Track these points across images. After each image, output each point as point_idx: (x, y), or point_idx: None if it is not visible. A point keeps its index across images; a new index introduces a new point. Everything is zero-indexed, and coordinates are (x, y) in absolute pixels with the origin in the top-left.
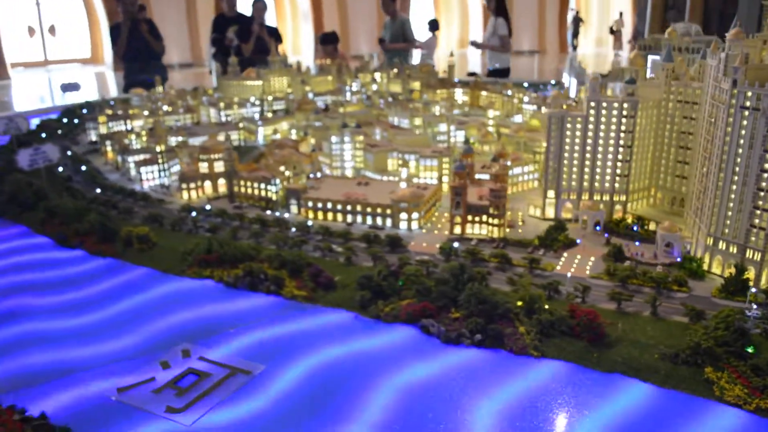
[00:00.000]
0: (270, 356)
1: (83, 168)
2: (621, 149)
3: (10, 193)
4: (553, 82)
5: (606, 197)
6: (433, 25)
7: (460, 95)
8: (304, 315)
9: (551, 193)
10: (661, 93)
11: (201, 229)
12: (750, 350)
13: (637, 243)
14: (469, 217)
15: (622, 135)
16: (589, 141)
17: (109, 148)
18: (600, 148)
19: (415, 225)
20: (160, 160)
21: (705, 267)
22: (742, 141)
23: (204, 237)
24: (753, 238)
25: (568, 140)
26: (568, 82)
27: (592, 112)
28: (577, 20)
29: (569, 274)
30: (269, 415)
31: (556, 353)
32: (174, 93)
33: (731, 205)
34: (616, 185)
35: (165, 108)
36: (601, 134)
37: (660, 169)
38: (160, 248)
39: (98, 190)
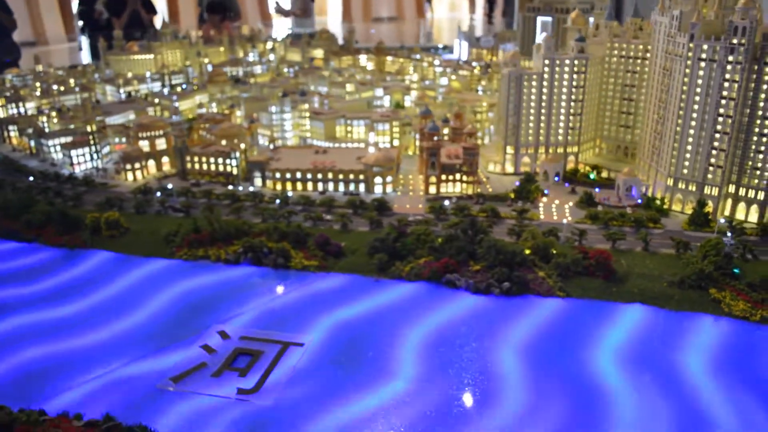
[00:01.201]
0: (307, 326)
1: None
2: (573, 104)
3: None
4: (441, 45)
5: (560, 150)
6: None
7: (364, 61)
8: (322, 284)
9: (510, 149)
10: (605, 50)
11: (169, 209)
12: (736, 271)
13: (597, 189)
14: (443, 176)
15: (574, 90)
16: (544, 97)
17: (13, 133)
18: (554, 104)
19: (389, 188)
20: (91, 142)
21: (666, 206)
22: (699, 89)
23: (177, 217)
24: (710, 176)
25: (525, 97)
26: (459, 45)
27: (546, 69)
28: None
29: (565, 221)
30: (341, 381)
31: (579, 292)
32: (54, 71)
33: (689, 147)
34: (569, 138)
35: (55, 87)
36: (555, 90)
37: (604, 121)
38: (133, 233)
39: (30, 178)
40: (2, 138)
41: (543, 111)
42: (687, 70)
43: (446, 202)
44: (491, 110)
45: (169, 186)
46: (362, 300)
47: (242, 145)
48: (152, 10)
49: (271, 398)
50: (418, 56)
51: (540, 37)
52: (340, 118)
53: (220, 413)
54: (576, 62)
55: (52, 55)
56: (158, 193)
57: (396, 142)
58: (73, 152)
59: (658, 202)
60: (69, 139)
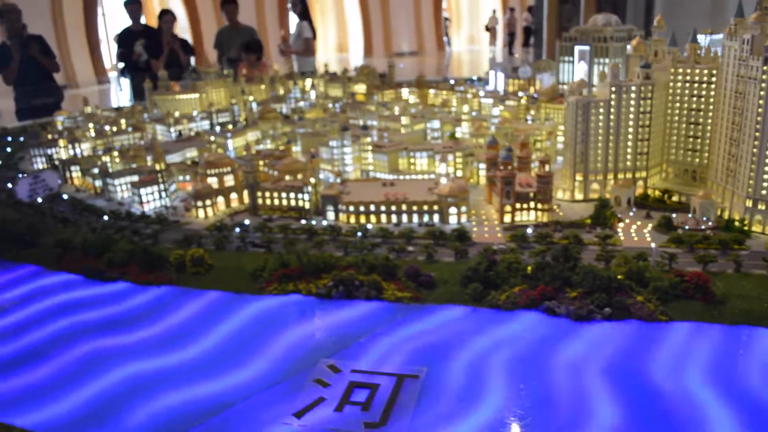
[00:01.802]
0: (416, 358)
1: (64, 197)
2: (640, 129)
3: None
4: (475, 77)
5: (629, 175)
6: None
7: (406, 94)
8: (420, 315)
9: (579, 176)
10: (668, 75)
11: (249, 245)
12: None
13: (674, 214)
14: (517, 205)
15: (641, 116)
16: (612, 124)
17: (76, 174)
18: (622, 130)
19: (464, 218)
20: (160, 180)
21: (746, 227)
22: None
23: (258, 253)
24: None
25: (592, 125)
26: (494, 76)
27: (613, 96)
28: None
29: (653, 245)
30: (466, 413)
31: (680, 315)
32: (101, 112)
33: None
34: (638, 163)
35: (107, 128)
36: (622, 117)
37: (670, 145)
38: (217, 270)
39: (105, 218)
40: (65, 178)
41: (611, 137)
42: (762, 93)
43: (528, 230)
44: (549, 138)
45: (246, 222)
46: (464, 330)
47: (312, 180)
48: (189, 51)
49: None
50: (461, 88)
51: (578, 65)
52: (403, 151)
53: None
54: (642, 88)
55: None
56: (237, 229)
57: (459, 173)
58: (142, 191)
59: (737, 223)
60: (135, 178)
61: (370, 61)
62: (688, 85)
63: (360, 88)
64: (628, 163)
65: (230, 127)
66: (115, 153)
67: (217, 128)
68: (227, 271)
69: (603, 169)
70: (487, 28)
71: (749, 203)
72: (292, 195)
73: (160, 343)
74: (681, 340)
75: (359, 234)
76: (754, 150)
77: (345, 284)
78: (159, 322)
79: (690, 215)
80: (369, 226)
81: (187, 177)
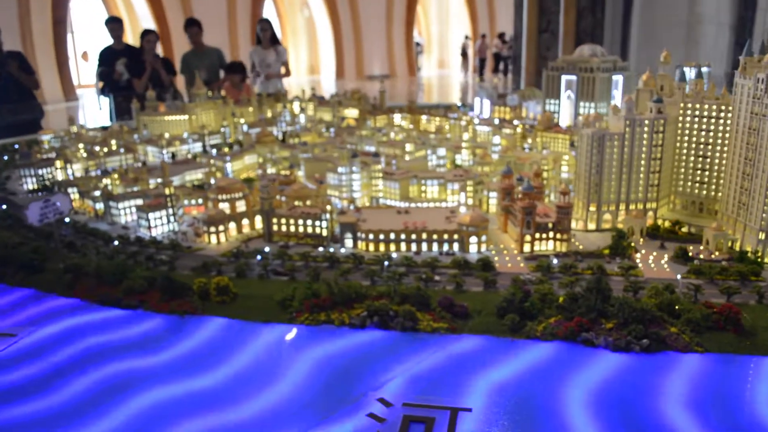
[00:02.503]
0: (464, 390)
1: (66, 220)
2: (652, 161)
3: (5, 254)
4: (459, 103)
5: (640, 206)
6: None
7: (398, 120)
8: (460, 347)
9: (592, 207)
10: (678, 110)
11: (270, 273)
12: None
13: (690, 246)
14: (536, 235)
15: (653, 149)
16: (625, 156)
17: (73, 195)
18: (634, 162)
19: (483, 248)
20: (169, 204)
21: (759, 259)
22: None
23: (280, 281)
24: None
25: (607, 156)
26: (479, 102)
27: (628, 129)
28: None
29: (679, 276)
30: None
31: (715, 347)
32: (86, 132)
33: None
34: (649, 194)
35: (97, 149)
36: (635, 149)
37: (679, 177)
38: (243, 298)
39: (116, 243)
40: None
41: (624, 169)
42: None
43: (554, 261)
44: (554, 168)
45: (266, 249)
46: (507, 361)
47: (328, 207)
48: (171, 71)
49: None
50: (455, 115)
51: (564, 94)
52: (413, 178)
53: None
54: (655, 122)
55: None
56: (258, 257)
57: (470, 201)
58: (151, 215)
59: (750, 255)
60: (139, 201)
61: (381, 86)
62: (697, 119)
63: (351, 113)
64: (640, 195)
65: (226, 150)
66: (115, 175)
67: (213, 151)
68: (253, 299)
69: (615, 200)
70: (464, 54)
71: (762, 236)
72: (309, 222)
73: (190, 371)
74: (719, 372)
75: (386, 263)
76: None
77: (379, 314)
78: (189, 349)
79: (701, 246)
80: (394, 255)
81: (193, 201)
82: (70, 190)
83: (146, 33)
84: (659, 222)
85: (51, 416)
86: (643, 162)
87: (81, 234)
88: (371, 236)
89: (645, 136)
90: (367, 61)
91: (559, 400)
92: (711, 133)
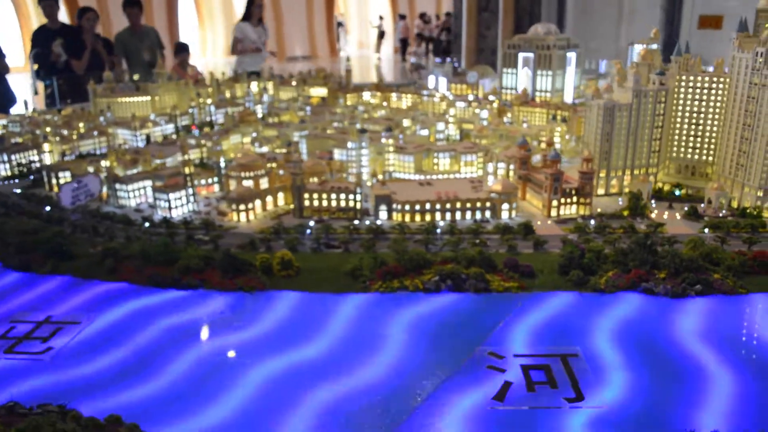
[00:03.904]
0: (561, 340)
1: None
2: (655, 130)
3: (23, 241)
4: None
5: (643, 171)
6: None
7: (368, 98)
8: (536, 302)
9: (602, 173)
10: (674, 82)
11: (322, 246)
12: None
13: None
14: (561, 200)
15: (656, 117)
16: (632, 125)
17: (64, 180)
18: (639, 131)
19: (513, 214)
20: (188, 184)
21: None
22: None
23: (334, 253)
24: None
25: (616, 126)
26: (435, 80)
27: (635, 100)
28: (338, 25)
29: (707, 230)
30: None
31: (756, 288)
32: (38, 116)
33: None
34: (651, 160)
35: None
36: (641, 119)
37: (673, 144)
38: (307, 272)
39: (147, 224)
40: (49, 186)
41: (631, 137)
42: None
43: (592, 222)
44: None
45: (311, 223)
46: (583, 311)
47: (350, 179)
48: (112, 51)
49: (601, 402)
50: (426, 92)
51: (522, 72)
52: (425, 151)
53: (562, 422)
54: (658, 93)
55: None
56: (308, 231)
57: (480, 172)
58: (171, 196)
59: (750, 211)
60: (147, 182)
61: (347, 65)
62: (691, 90)
63: (317, 92)
64: (643, 161)
65: (207, 130)
66: (113, 157)
67: (195, 132)
68: (318, 272)
69: (623, 166)
70: (381, 34)
71: (760, 193)
72: (342, 196)
73: (289, 344)
74: (763, 309)
75: (438, 231)
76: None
77: (452, 278)
78: (275, 324)
79: (702, 205)
80: (441, 223)
81: (203, 181)
82: (61, 174)
83: (85, 11)
84: (659, 185)
85: (168, 399)
86: (647, 130)
87: (95, 219)
88: (407, 207)
89: (649, 106)
90: (288, 42)
91: (644, 341)
92: (704, 103)
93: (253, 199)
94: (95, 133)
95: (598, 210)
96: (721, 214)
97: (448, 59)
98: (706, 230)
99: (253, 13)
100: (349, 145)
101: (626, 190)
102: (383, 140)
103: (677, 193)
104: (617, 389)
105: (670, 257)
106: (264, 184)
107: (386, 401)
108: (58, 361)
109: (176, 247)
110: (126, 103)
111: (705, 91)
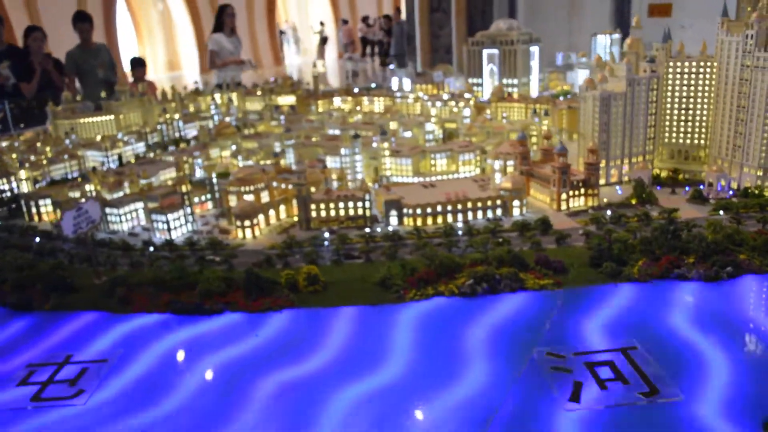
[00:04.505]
0: (610, 336)
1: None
2: (649, 116)
3: (19, 277)
4: (373, 85)
5: (639, 158)
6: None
7: (338, 103)
8: (575, 298)
9: (602, 163)
10: (663, 68)
11: (342, 257)
12: None
13: (686, 187)
14: (570, 192)
15: (649, 105)
16: (628, 114)
17: (45, 208)
18: (634, 119)
19: (524, 210)
20: (186, 203)
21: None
22: None
23: (356, 264)
24: None
25: (613, 115)
26: (398, 81)
27: (629, 89)
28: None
29: (722, 213)
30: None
31: None
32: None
33: None
34: (647, 147)
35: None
36: (635, 107)
37: (664, 129)
38: (334, 285)
39: (151, 249)
40: (29, 216)
41: (627, 126)
42: None
43: (608, 212)
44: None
45: (326, 234)
46: (625, 302)
47: (365, 187)
48: (64, 72)
49: (675, 393)
50: (399, 94)
51: (487, 68)
52: (421, 153)
53: (644, 418)
54: (651, 81)
55: None
56: (326, 243)
57: (478, 170)
58: (170, 216)
59: (752, 190)
60: (139, 204)
61: (314, 71)
62: (679, 76)
63: (286, 100)
64: (639, 149)
65: (183, 146)
66: (95, 180)
67: (171, 148)
68: (344, 284)
69: (620, 155)
70: (324, 40)
71: (760, 173)
72: (350, 204)
73: (360, 364)
74: None
75: (459, 232)
76: (766, 127)
77: (486, 280)
78: (321, 346)
79: (701, 186)
80: (459, 225)
81: (195, 199)
82: (42, 202)
83: (31, 30)
84: (656, 171)
85: None
86: (642, 118)
87: (88, 246)
88: (419, 211)
89: (643, 94)
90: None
91: (697, 327)
92: (692, 88)
93: (257, 214)
94: (65, 156)
95: (605, 200)
96: (728, 196)
97: (391, 66)
98: (721, 212)
99: (225, 23)
100: (343, 151)
101: (625, 178)
102: (374, 144)
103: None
104: (688, 379)
105: (697, 241)
106: (265, 197)
107: (463, 412)
108: (95, 406)
109: (190, 270)
110: (89, 123)
111: (693, 76)
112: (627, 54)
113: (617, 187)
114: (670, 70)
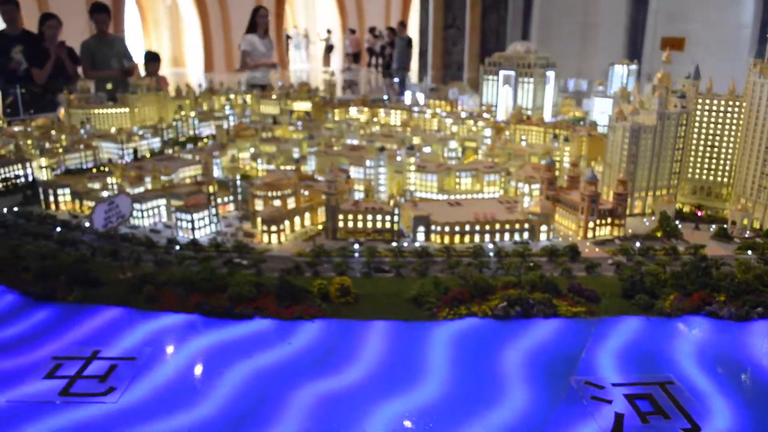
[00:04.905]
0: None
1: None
2: (676, 151)
3: (43, 266)
4: (386, 97)
5: (664, 191)
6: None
7: (354, 113)
8: (608, 328)
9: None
10: (692, 104)
11: (371, 270)
12: None
13: (712, 225)
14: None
15: (678, 139)
16: (656, 147)
17: (63, 197)
18: (662, 152)
19: (551, 235)
20: (212, 203)
21: None
22: None
23: (385, 278)
24: None
25: (642, 147)
26: (411, 96)
27: (659, 122)
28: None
29: (750, 252)
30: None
31: None
32: (7, 126)
33: None
34: (672, 181)
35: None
36: (664, 140)
37: (688, 165)
38: (365, 298)
39: (177, 247)
40: (46, 204)
41: (654, 159)
42: None
43: (638, 244)
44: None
45: (356, 246)
46: (661, 337)
47: (391, 201)
48: (77, 61)
49: (717, 431)
50: (417, 108)
51: (503, 89)
52: (446, 170)
53: None
54: (680, 116)
55: None
56: (356, 255)
57: (501, 192)
58: (195, 216)
59: None
60: (162, 201)
61: (331, 79)
62: (707, 113)
63: (301, 106)
64: (664, 182)
65: (201, 143)
66: (117, 172)
67: (189, 146)
68: (375, 298)
69: (645, 187)
70: (329, 48)
71: None
72: (378, 217)
73: (386, 381)
74: None
75: (491, 254)
76: None
77: (520, 304)
78: (357, 358)
79: (725, 225)
80: (490, 245)
81: (225, 199)
82: (60, 191)
83: (46, 17)
84: (679, 206)
85: None
86: (669, 152)
87: (110, 240)
88: (447, 229)
89: (672, 128)
90: (236, 53)
91: (732, 366)
92: (719, 126)
93: (284, 219)
94: (81, 146)
95: (629, 231)
96: (746, 235)
97: (396, 79)
98: (750, 252)
99: (258, 24)
100: (368, 163)
101: (648, 210)
102: (399, 158)
103: (699, 214)
104: (726, 417)
105: (729, 280)
106: (291, 203)
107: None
108: (128, 405)
109: (220, 272)
110: (103, 114)
111: (721, 114)
112: (657, 88)
113: (645, 219)
114: (698, 106)
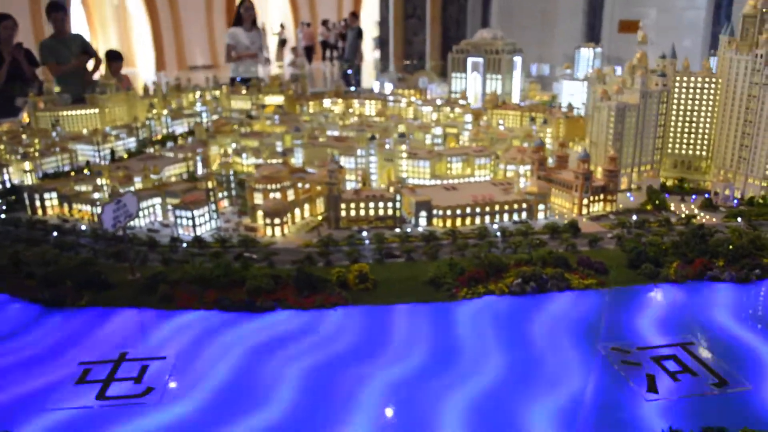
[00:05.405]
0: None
1: (82, 227)
2: (658, 128)
3: (48, 272)
4: (353, 88)
5: (648, 167)
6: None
7: (328, 105)
8: (621, 297)
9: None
10: (671, 82)
11: (384, 256)
12: None
13: (693, 196)
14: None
15: (659, 116)
16: (640, 125)
17: (50, 201)
18: (645, 129)
19: (548, 213)
20: (211, 199)
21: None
22: None
23: (397, 263)
24: None
25: (626, 125)
26: (380, 85)
27: (642, 100)
28: None
29: (740, 219)
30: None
31: None
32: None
33: None
34: (654, 157)
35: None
36: (646, 118)
37: (668, 140)
38: (382, 284)
39: (184, 245)
40: (32, 209)
41: (638, 136)
42: None
43: (634, 217)
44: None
45: (364, 233)
46: (673, 302)
47: (391, 189)
48: (35, 62)
49: (744, 384)
50: (392, 98)
51: (471, 75)
52: (438, 156)
53: (720, 406)
54: (661, 94)
55: None
56: (367, 242)
57: (491, 175)
58: (195, 213)
59: (757, 200)
60: (157, 200)
61: (301, 72)
62: (685, 90)
63: (273, 100)
64: (648, 158)
65: (197, 140)
66: (104, 173)
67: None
68: (392, 283)
69: (630, 164)
70: (282, 42)
71: (765, 183)
72: (381, 204)
73: (438, 365)
74: None
75: (498, 234)
76: None
77: (534, 280)
78: (396, 343)
79: (707, 195)
80: (495, 226)
81: (222, 195)
82: (47, 195)
83: (1, 18)
84: (662, 179)
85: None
86: (651, 129)
87: (111, 243)
88: (448, 212)
89: (654, 106)
90: (188, 51)
91: (745, 324)
92: (697, 102)
93: (287, 211)
94: (56, 149)
95: (620, 206)
96: (734, 204)
97: (349, 71)
98: (739, 219)
99: (243, 17)
100: (359, 152)
101: (633, 186)
102: (387, 146)
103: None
104: (749, 370)
105: (725, 246)
106: (290, 195)
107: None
108: (169, 402)
109: (234, 267)
110: (73, 116)
111: (698, 90)
112: (637, 68)
113: (629, 194)
114: (676, 84)
